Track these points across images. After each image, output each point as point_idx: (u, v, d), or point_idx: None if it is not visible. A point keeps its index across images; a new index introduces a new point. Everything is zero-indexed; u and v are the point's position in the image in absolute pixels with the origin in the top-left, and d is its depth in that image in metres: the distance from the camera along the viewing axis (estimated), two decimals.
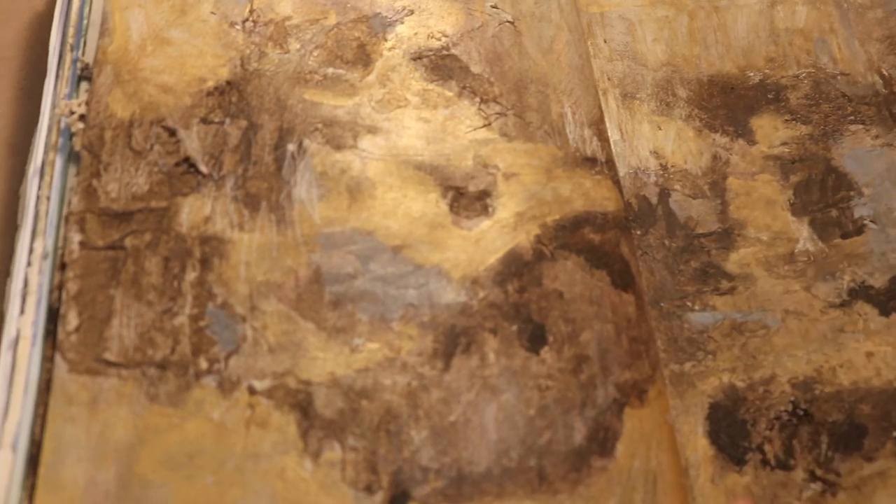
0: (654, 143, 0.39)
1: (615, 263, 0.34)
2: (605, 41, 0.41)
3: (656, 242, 0.37)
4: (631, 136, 0.39)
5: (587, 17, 0.42)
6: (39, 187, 0.31)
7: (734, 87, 0.41)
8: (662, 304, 0.36)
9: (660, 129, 0.39)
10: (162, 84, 0.33)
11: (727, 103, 0.41)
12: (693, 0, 0.43)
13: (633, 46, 0.41)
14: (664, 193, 0.38)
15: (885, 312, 0.37)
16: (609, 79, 0.40)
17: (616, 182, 0.36)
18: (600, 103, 0.38)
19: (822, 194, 0.39)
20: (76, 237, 0.30)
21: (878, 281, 0.37)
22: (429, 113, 0.34)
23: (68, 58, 0.33)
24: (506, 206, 0.33)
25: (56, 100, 0.33)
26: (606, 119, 0.39)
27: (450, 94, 0.35)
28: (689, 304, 0.36)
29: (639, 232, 0.37)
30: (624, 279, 0.34)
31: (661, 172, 0.38)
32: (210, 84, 0.33)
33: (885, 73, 0.43)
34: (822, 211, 0.39)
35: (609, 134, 0.38)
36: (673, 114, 0.40)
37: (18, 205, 0.35)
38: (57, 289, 0.30)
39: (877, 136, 0.41)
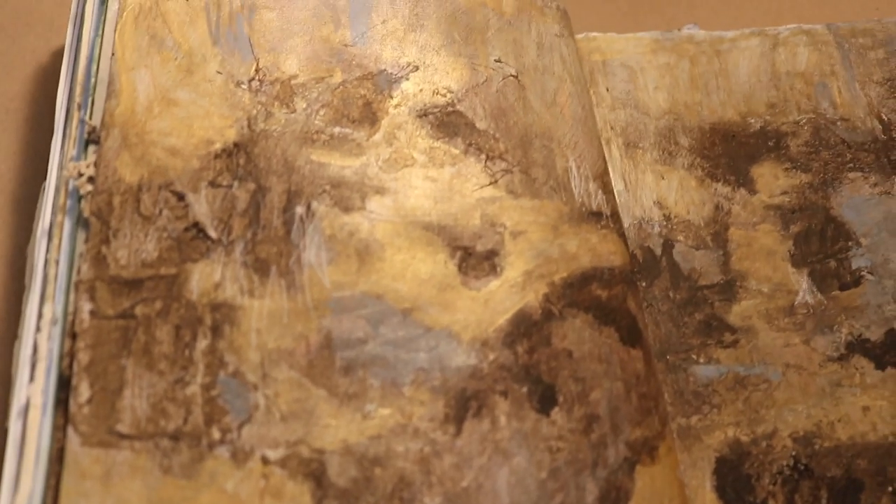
0: (657, 193, 0.39)
1: (623, 319, 0.34)
2: (607, 89, 0.41)
3: (661, 294, 0.37)
4: (635, 186, 0.39)
5: (589, 66, 0.42)
6: (48, 250, 0.31)
7: (735, 135, 0.41)
8: (668, 357, 0.36)
9: (663, 178, 0.40)
10: (170, 147, 0.33)
11: (728, 152, 0.41)
12: (694, 45, 0.43)
13: (635, 94, 0.42)
14: (668, 244, 0.38)
15: (880, 366, 0.37)
16: (612, 128, 0.40)
17: (621, 235, 0.36)
18: (604, 155, 0.38)
19: (822, 245, 0.40)
20: (86, 306, 0.30)
21: (875, 334, 0.38)
22: (435, 171, 0.34)
23: (75, 116, 0.33)
24: (514, 265, 0.33)
25: (63, 160, 0.32)
26: (610, 169, 0.39)
27: (456, 151, 0.35)
28: (694, 356, 0.36)
29: (644, 284, 0.37)
30: (632, 335, 0.34)
31: (665, 223, 0.39)
32: (218, 146, 0.33)
33: (884, 117, 0.43)
34: (821, 262, 0.39)
35: (613, 184, 0.39)
36: (675, 163, 0.40)
37: (24, 262, 0.35)
38: (67, 356, 0.30)
39: (875, 184, 0.41)
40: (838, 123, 0.43)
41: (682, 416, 0.35)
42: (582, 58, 0.42)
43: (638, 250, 0.38)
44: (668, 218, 0.39)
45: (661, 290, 0.37)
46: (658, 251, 0.38)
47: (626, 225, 0.38)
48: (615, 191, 0.39)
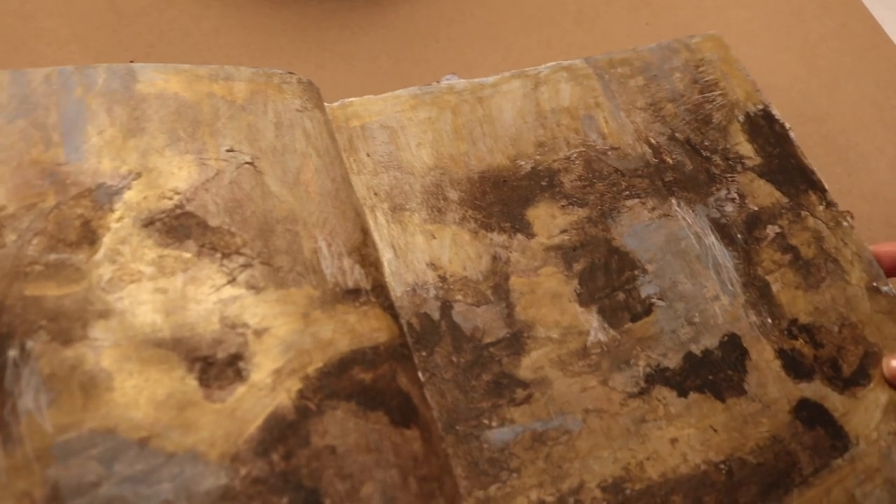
0: (429, 254, 0.38)
1: (393, 399, 0.32)
2: (368, 155, 0.40)
3: (443, 361, 0.35)
4: (405, 251, 0.37)
5: (347, 133, 0.40)
6: None
7: (506, 180, 0.40)
8: (458, 427, 0.34)
9: (434, 237, 0.38)
10: None
11: (501, 198, 0.40)
12: (455, 95, 0.42)
13: (397, 155, 0.40)
14: (446, 306, 0.37)
15: (683, 393, 0.36)
16: (376, 194, 0.39)
17: (387, 308, 0.35)
18: (363, 225, 0.36)
19: (608, 278, 0.38)
20: None
21: (672, 361, 0.37)
22: (166, 282, 0.32)
23: None
24: (261, 367, 0.31)
25: None
26: (377, 237, 0.37)
27: (188, 255, 0.33)
28: (485, 421, 0.34)
29: (424, 353, 0.35)
30: (405, 415, 0.32)
31: (441, 284, 0.37)
32: None
33: (652, 141, 0.42)
34: (610, 296, 0.38)
35: (381, 253, 0.37)
36: (446, 219, 0.39)
37: None
38: None
39: (653, 208, 0.40)
40: (609, 153, 0.42)
41: (479, 488, 0.33)
42: (339, 126, 0.40)
43: (414, 318, 0.36)
44: (443, 279, 0.37)
45: (443, 357, 0.35)
46: (436, 315, 0.36)
47: (398, 294, 0.36)
48: (385, 259, 0.37)
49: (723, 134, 0.44)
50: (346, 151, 0.39)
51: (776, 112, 0.45)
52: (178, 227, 0.33)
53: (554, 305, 0.37)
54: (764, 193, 0.42)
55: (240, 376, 0.31)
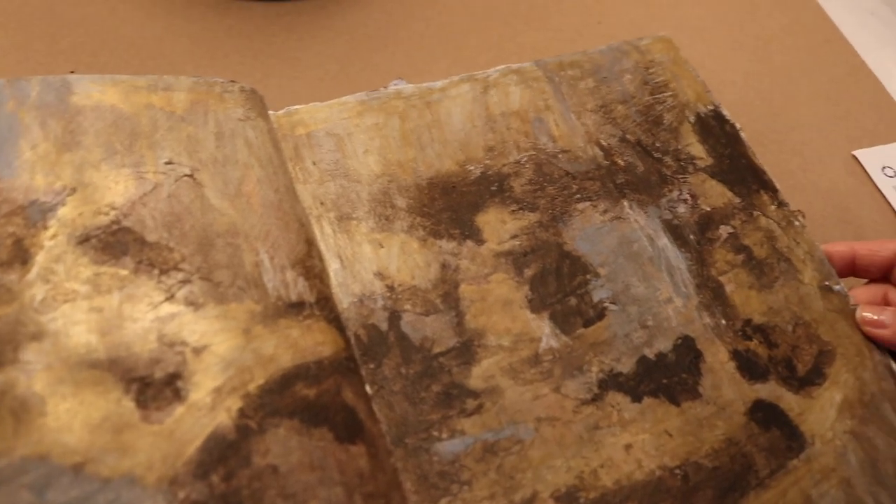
0: (377, 263, 0.37)
1: (337, 415, 0.31)
2: (313, 163, 0.39)
3: (392, 373, 0.35)
4: (352, 261, 0.37)
5: (293, 142, 0.39)
6: None
7: (455, 186, 0.40)
8: (407, 441, 0.33)
9: (381, 247, 0.37)
10: None
11: (450, 205, 0.39)
12: (403, 100, 0.42)
13: (344, 163, 0.39)
14: (395, 317, 0.36)
15: (636, 398, 0.35)
16: (322, 203, 0.38)
17: (332, 321, 0.34)
18: (308, 236, 0.36)
19: (559, 283, 0.38)
20: None
21: (626, 365, 0.36)
22: (101, 300, 0.31)
23: None
24: (200, 385, 0.30)
25: None
26: (323, 248, 0.37)
27: (124, 272, 0.32)
28: (435, 433, 0.34)
29: (371, 365, 0.35)
30: (350, 430, 0.31)
31: (389, 294, 0.36)
32: None
33: (603, 143, 0.42)
34: (562, 301, 0.37)
35: (327, 264, 0.36)
36: (394, 227, 0.38)
37: None
38: None
39: (605, 211, 0.40)
40: (560, 156, 0.41)
41: (429, 502, 0.32)
42: (284, 135, 0.39)
43: (361, 330, 0.35)
44: (391, 288, 0.36)
45: (391, 369, 0.35)
46: (384, 326, 0.35)
47: (345, 305, 0.35)
48: (331, 270, 0.36)
49: (674, 135, 0.43)
50: (291, 160, 0.39)
51: (727, 112, 0.45)
52: (114, 243, 0.32)
53: (505, 312, 0.37)
54: (716, 194, 0.42)
55: (178, 396, 0.30)
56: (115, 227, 0.33)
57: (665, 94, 0.45)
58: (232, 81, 0.38)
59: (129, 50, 0.45)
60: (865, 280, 0.41)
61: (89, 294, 0.31)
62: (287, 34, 0.47)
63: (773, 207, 0.42)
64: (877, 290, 0.40)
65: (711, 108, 0.45)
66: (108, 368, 0.30)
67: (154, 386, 0.30)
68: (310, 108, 0.41)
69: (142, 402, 0.30)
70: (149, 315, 0.31)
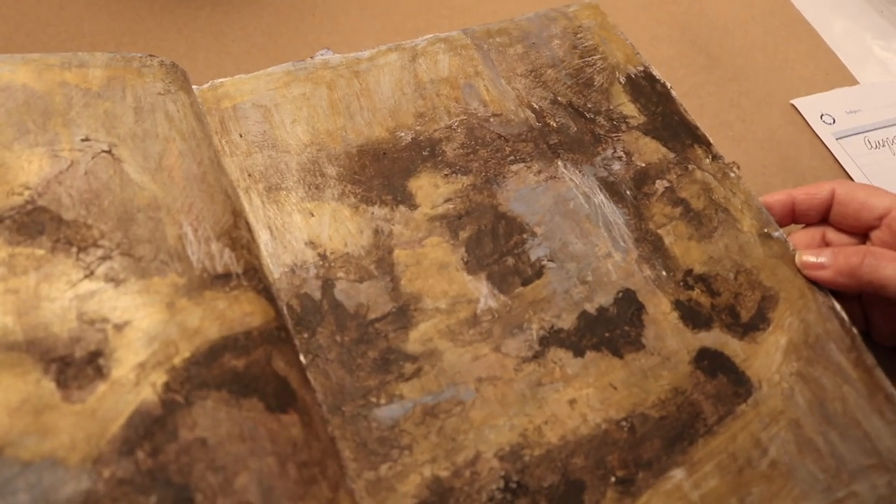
0: (307, 232, 0.36)
1: (268, 385, 0.31)
2: (241, 135, 0.38)
3: (327, 341, 0.34)
4: (282, 231, 0.36)
5: (219, 115, 0.38)
6: None
7: (386, 153, 0.39)
8: (344, 408, 0.32)
9: (312, 215, 0.36)
10: None
11: (381, 171, 0.38)
12: (330, 70, 0.41)
13: (271, 134, 0.38)
14: (328, 285, 0.35)
15: (579, 352, 0.35)
16: (250, 175, 0.37)
17: (262, 290, 0.33)
18: (234, 207, 0.35)
19: (496, 244, 0.37)
20: None
21: (566, 321, 0.36)
22: (17, 281, 0.30)
23: None
24: (123, 362, 0.29)
25: None
26: (252, 219, 0.36)
27: (41, 252, 0.31)
28: (373, 400, 0.33)
29: (305, 335, 0.34)
30: (281, 400, 0.30)
31: (321, 263, 0.35)
32: None
33: (535, 105, 0.42)
34: (499, 262, 0.37)
35: (257, 235, 0.35)
36: (324, 196, 0.37)
37: None
38: None
39: (539, 171, 0.39)
40: (491, 120, 0.41)
41: (369, 468, 0.31)
42: (210, 108, 0.38)
43: (294, 299, 0.34)
44: (323, 257, 0.36)
45: (326, 337, 0.34)
46: (317, 295, 0.35)
47: (276, 275, 0.34)
48: (261, 241, 0.35)
49: (605, 96, 0.43)
50: (217, 133, 0.38)
51: (657, 72, 0.44)
52: (29, 223, 0.31)
53: (441, 276, 0.36)
54: (650, 150, 0.41)
55: (100, 374, 0.29)
56: (29, 206, 0.32)
57: (594, 57, 0.44)
58: (150, 56, 0.37)
59: (46, 31, 0.44)
60: (803, 225, 0.41)
61: (4, 276, 0.30)
62: (212, 7, 0.46)
63: (707, 161, 0.41)
64: (815, 232, 0.40)
65: (642, 68, 0.45)
66: (27, 350, 0.29)
67: (74, 365, 0.29)
68: (235, 80, 0.40)
69: (62, 382, 0.29)
70: (67, 294, 0.30)
